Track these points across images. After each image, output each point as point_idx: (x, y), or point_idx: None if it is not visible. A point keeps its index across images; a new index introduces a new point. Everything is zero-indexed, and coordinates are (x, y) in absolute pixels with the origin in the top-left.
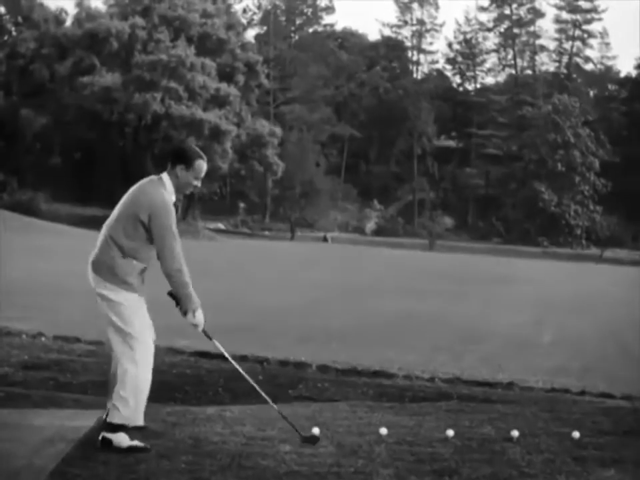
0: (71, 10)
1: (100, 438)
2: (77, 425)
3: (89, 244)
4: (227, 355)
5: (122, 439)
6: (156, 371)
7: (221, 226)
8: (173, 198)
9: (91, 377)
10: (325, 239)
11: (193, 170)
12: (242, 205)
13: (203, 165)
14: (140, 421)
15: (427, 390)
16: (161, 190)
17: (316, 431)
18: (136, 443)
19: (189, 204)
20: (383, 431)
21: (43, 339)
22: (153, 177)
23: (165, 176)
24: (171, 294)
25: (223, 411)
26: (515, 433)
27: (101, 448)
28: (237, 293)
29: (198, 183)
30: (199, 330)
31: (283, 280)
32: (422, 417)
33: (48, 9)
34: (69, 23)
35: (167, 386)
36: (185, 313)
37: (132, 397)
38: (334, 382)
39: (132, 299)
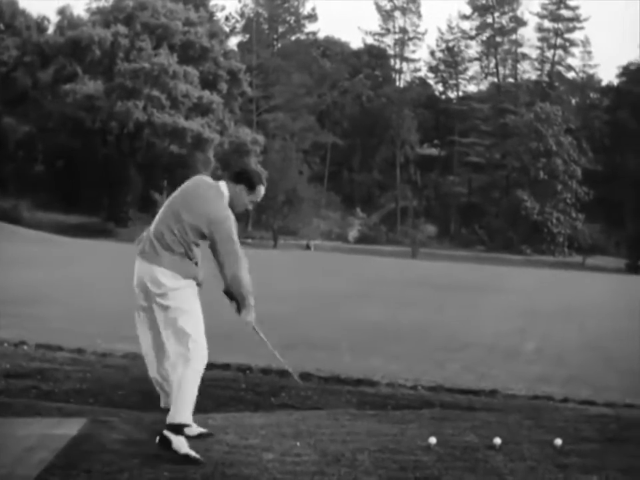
0: (53, 18)
1: (160, 436)
2: (60, 434)
3: (72, 251)
4: (270, 346)
5: (181, 444)
6: (140, 379)
7: None
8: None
9: (73, 385)
10: (307, 247)
11: (253, 194)
12: None
13: (262, 191)
14: (190, 421)
15: (410, 398)
16: (223, 200)
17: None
18: (193, 453)
19: None
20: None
21: (25, 347)
22: (210, 181)
23: (223, 186)
24: (226, 292)
25: (205, 419)
26: (498, 441)
27: (159, 445)
28: (219, 300)
29: (250, 207)
30: (250, 327)
31: (265, 288)
32: (405, 425)
33: (30, 17)
34: (51, 30)
35: (150, 394)
36: (239, 311)
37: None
38: (317, 390)
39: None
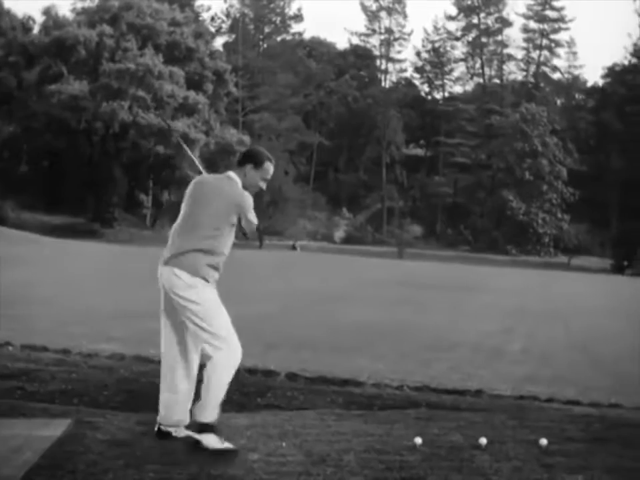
0: (39, 18)
1: (189, 439)
2: (45, 434)
3: (57, 252)
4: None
5: (212, 441)
6: (124, 380)
7: None
8: None
9: (59, 386)
10: (293, 247)
11: (261, 170)
12: None
13: (270, 167)
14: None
15: (395, 398)
16: (238, 184)
17: None
18: (226, 444)
19: (157, 212)
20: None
21: (10, 348)
22: (219, 175)
23: (232, 174)
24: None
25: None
26: (484, 441)
27: (193, 448)
28: None
29: (263, 185)
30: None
31: (250, 288)
32: (391, 425)
33: (15, 17)
34: (36, 30)
35: (135, 395)
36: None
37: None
38: (303, 390)
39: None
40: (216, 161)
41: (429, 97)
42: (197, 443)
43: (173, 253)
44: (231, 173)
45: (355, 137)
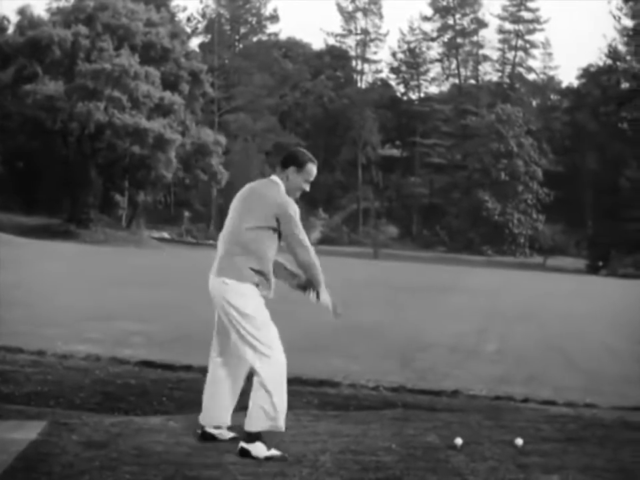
0: (13, 17)
1: (238, 448)
2: (20, 437)
3: (32, 253)
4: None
5: (260, 449)
6: (100, 381)
7: (165, 235)
8: None
9: (34, 388)
10: None
11: (304, 172)
12: (186, 213)
13: (313, 169)
14: (282, 427)
15: (371, 399)
16: (280, 188)
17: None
18: (273, 452)
19: (133, 213)
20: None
21: None
22: (262, 180)
23: (275, 177)
24: (298, 285)
25: (167, 421)
26: (459, 441)
27: (240, 456)
28: (182, 301)
29: (307, 187)
30: (329, 307)
31: None
32: (367, 426)
33: None
34: (11, 30)
35: (111, 396)
36: (318, 296)
37: (268, 404)
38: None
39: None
40: (192, 162)
41: (405, 98)
42: (246, 451)
43: (219, 261)
44: (274, 177)
45: (331, 137)
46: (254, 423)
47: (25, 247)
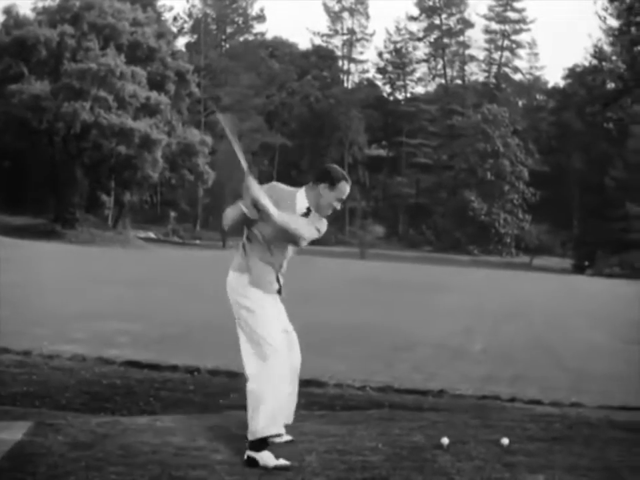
0: None
1: (245, 457)
2: (5, 438)
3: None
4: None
5: (267, 459)
6: (85, 382)
7: (151, 235)
8: (300, 212)
9: (20, 388)
10: None
11: (336, 190)
12: (173, 213)
13: (346, 187)
14: (273, 431)
15: (358, 398)
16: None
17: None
18: (282, 462)
19: (119, 213)
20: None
21: None
22: (286, 188)
23: (301, 190)
24: None
25: (153, 421)
26: (446, 441)
27: (247, 465)
28: (168, 301)
29: (338, 206)
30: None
31: (213, 289)
32: (353, 426)
33: None
34: None
35: (97, 396)
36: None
37: (254, 409)
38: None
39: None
40: (178, 162)
41: (391, 98)
42: (256, 462)
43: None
44: (300, 191)
45: (318, 137)
46: (255, 428)
47: (10, 247)
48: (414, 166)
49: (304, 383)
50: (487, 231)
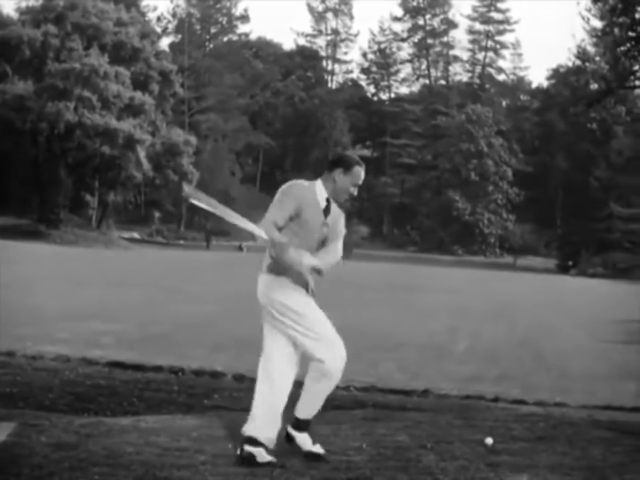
0: None
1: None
2: None
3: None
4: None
5: (260, 455)
6: (69, 382)
7: (135, 235)
8: (322, 203)
9: (3, 389)
10: (240, 248)
11: (351, 175)
12: (157, 214)
13: (361, 172)
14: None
15: (342, 398)
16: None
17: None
18: (272, 459)
19: (103, 213)
20: (489, 440)
21: None
22: (303, 182)
23: (318, 181)
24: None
25: (137, 422)
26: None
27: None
28: (152, 302)
29: (354, 191)
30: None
31: (197, 289)
32: (337, 426)
33: None
34: None
35: (81, 397)
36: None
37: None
38: (250, 391)
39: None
40: (162, 162)
41: (375, 98)
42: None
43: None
44: (318, 183)
45: (302, 137)
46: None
47: None
48: (398, 166)
49: None
50: (471, 231)
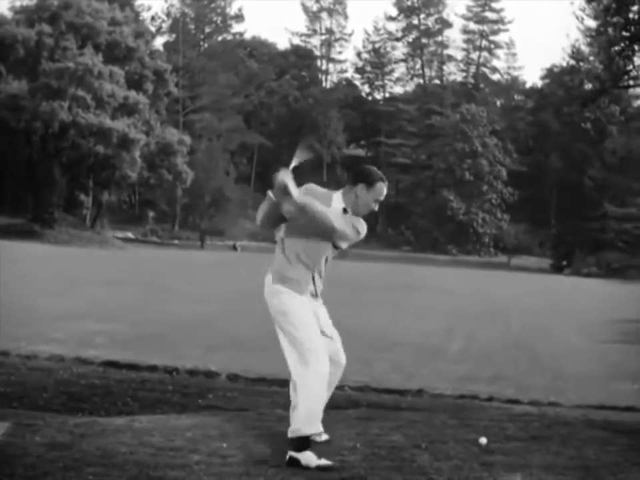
0: None
1: (287, 457)
2: None
3: None
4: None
5: (309, 459)
6: (63, 382)
7: (130, 235)
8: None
9: None
10: (234, 248)
11: (374, 191)
12: (151, 213)
13: (383, 188)
14: (313, 430)
15: (336, 398)
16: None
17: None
18: (324, 462)
19: (97, 213)
20: (483, 440)
21: None
22: (321, 190)
23: (337, 192)
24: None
25: (131, 422)
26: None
27: (290, 466)
28: (146, 302)
29: (375, 207)
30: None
31: (191, 289)
32: (332, 425)
33: None
34: None
35: (75, 397)
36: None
37: (294, 409)
38: (244, 391)
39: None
40: (156, 161)
41: (370, 98)
42: (298, 462)
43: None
44: (336, 195)
45: (296, 137)
46: (297, 427)
47: None
48: (393, 166)
49: (283, 383)
50: (466, 231)
